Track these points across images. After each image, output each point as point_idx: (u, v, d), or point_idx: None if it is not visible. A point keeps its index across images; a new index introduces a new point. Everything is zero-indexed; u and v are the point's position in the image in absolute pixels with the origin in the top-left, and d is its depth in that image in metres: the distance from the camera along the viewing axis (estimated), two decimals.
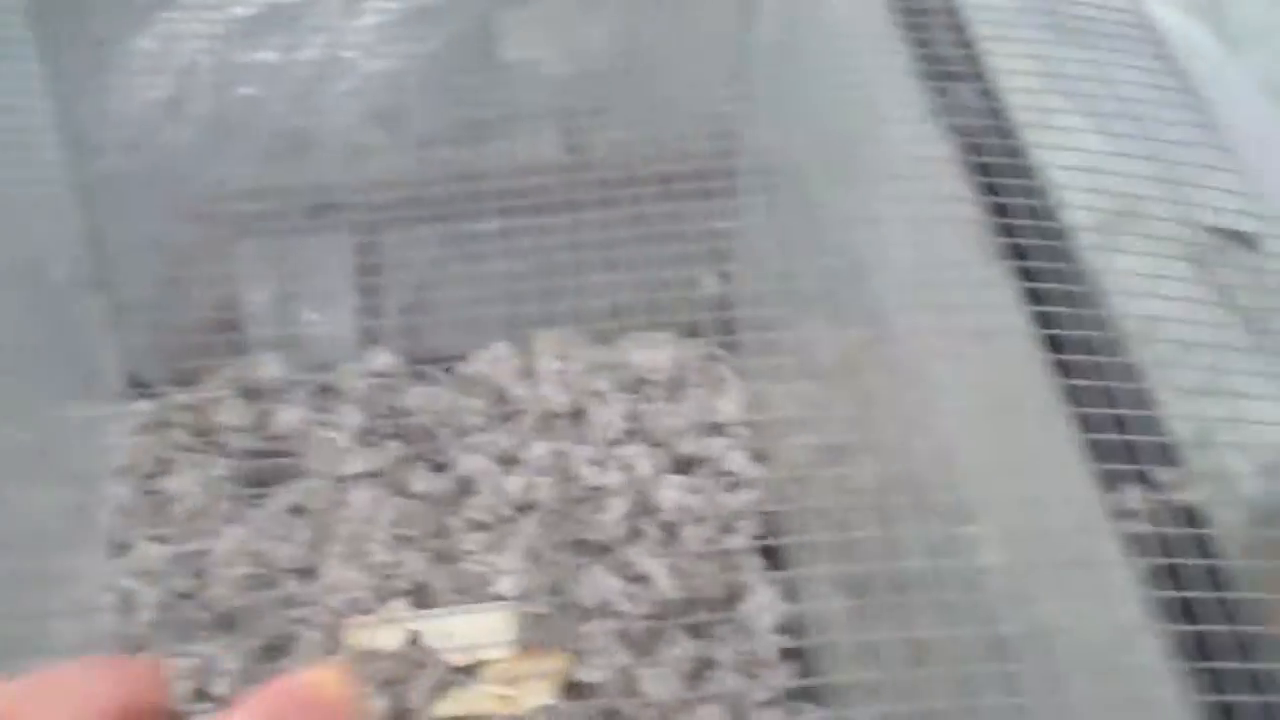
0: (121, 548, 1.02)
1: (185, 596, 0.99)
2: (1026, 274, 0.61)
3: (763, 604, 0.99)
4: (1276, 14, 1.01)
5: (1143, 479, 0.51)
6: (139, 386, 1.12)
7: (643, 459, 1.04)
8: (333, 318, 1.16)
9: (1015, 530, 0.63)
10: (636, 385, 1.09)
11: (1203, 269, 0.62)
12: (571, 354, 1.09)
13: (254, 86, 1.15)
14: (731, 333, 1.09)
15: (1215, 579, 0.49)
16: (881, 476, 0.84)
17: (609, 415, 1.06)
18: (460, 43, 1.16)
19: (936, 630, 0.70)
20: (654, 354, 1.09)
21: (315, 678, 0.33)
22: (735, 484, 1.04)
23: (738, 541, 1.02)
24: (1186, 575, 0.50)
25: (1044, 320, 0.59)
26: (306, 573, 0.99)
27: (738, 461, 1.05)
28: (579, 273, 1.04)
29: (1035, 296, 0.59)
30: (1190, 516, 0.51)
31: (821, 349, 0.94)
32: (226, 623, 0.98)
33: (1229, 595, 0.48)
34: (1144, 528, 0.50)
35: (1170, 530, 0.49)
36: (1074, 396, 0.55)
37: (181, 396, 1.10)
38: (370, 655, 0.95)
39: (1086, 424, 0.54)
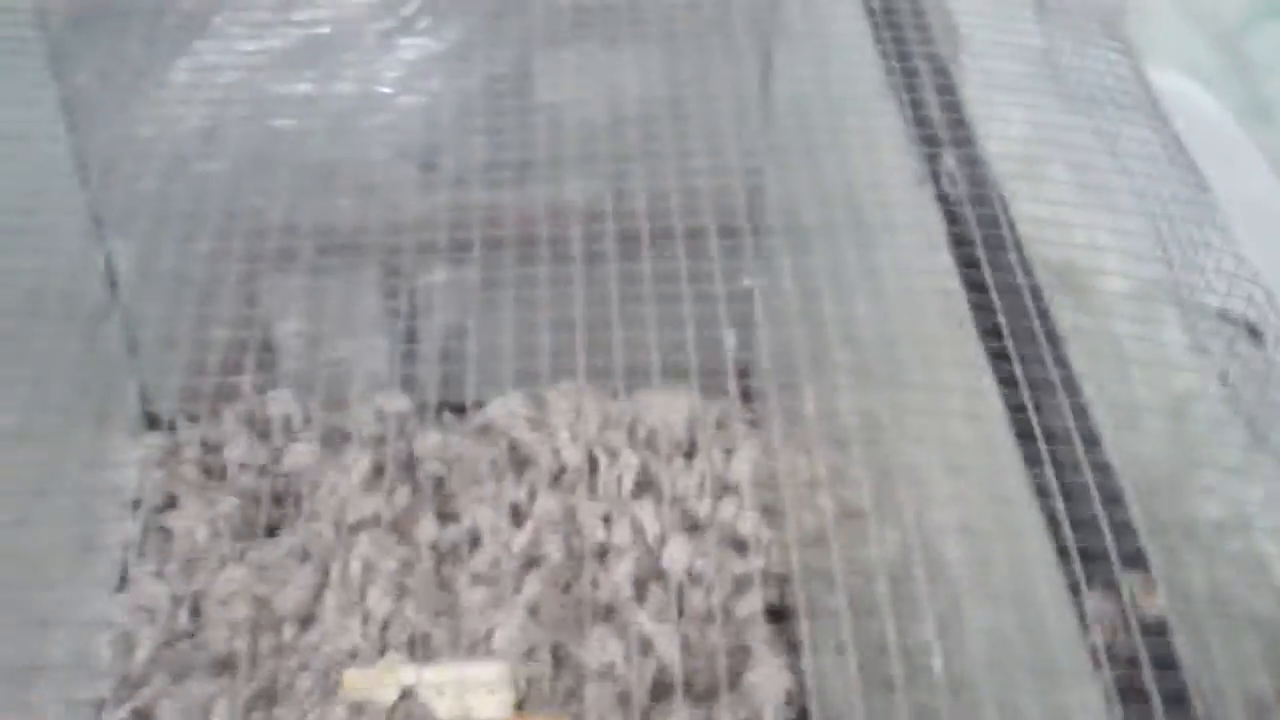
0: (124, 582, 1.02)
1: (184, 636, 0.98)
2: (1004, 354, 0.60)
3: (768, 674, 0.97)
4: None
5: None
6: (153, 420, 1.11)
7: (652, 518, 1.02)
8: (354, 356, 1.15)
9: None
10: (650, 442, 1.07)
11: (1205, 356, 0.60)
12: (586, 407, 1.07)
13: (288, 119, 1.15)
14: (749, 393, 1.07)
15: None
16: (898, 547, 0.82)
17: (620, 471, 1.04)
18: (496, 82, 1.15)
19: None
20: (669, 411, 1.07)
21: None
22: (746, 547, 1.02)
23: (746, 607, 1.00)
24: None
25: (1020, 404, 0.57)
26: (306, 619, 0.98)
27: (749, 524, 1.03)
28: (599, 324, 1.02)
29: (1013, 380, 0.58)
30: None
31: (838, 413, 0.92)
32: (223, 665, 0.97)
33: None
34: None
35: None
36: (1054, 490, 0.54)
37: (193, 431, 1.09)
38: (364, 708, 0.94)
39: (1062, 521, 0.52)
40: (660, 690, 0.96)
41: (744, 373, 1.10)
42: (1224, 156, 0.89)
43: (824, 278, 0.90)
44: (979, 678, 0.65)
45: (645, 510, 1.02)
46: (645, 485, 1.05)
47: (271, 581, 0.99)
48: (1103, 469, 0.57)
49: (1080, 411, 0.58)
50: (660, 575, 1.00)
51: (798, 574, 1.00)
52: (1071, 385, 0.60)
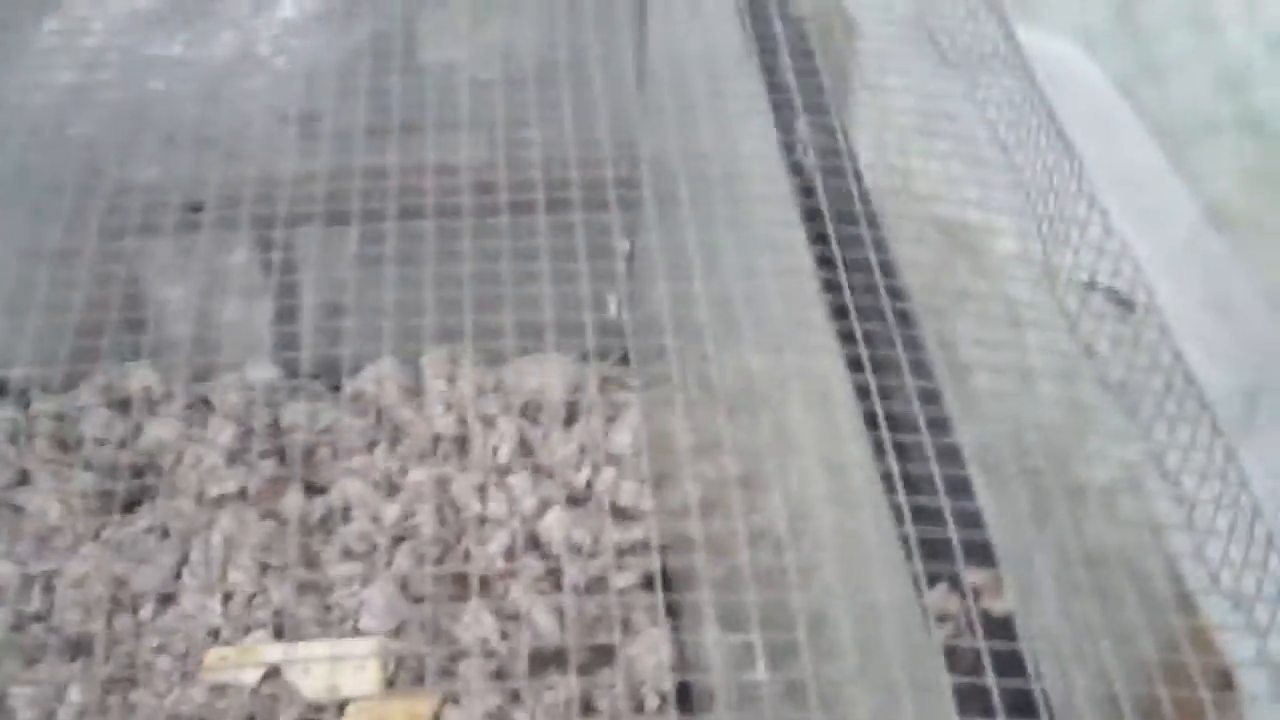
0: None
1: (36, 619, 0.94)
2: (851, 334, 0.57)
3: (649, 645, 0.94)
4: (1201, 42, 0.97)
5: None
6: (3, 390, 1.06)
7: (529, 489, 0.99)
8: (224, 325, 1.11)
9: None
10: (528, 410, 1.04)
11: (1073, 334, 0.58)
12: (461, 374, 1.04)
13: (159, 81, 1.11)
14: (629, 358, 1.04)
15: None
16: (778, 514, 0.80)
17: (496, 441, 1.01)
18: (378, 42, 1.12)
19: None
20: (548, 378, 1.04)
21: None
22: (626, 517, 1.00)
23: (625, 578, 0.97)
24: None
25: (866, 390, 0.55)
26: (166, 599, 0.94)
27: (629, 494, 1.00)
28: (477, 286, 0.99)
29: (859, 362, 0.55)
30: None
31: (717, 380, 0.90)
32: (78, 648, 0.92)
33: None
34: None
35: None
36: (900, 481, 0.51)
37: (48, 404, 1.04)
38: (227, 689, 0.90)
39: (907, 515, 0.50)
40: (538, 664, 0.93)
41: (623, 340, 1.07)
42: (1101, 123, 0.88)
43: (698, 244, 0.87)
44: (847, 648, 0.63)
45: (522, 481, 0.99)
46: (522, 455, 1.02)
47: (129, 560, 0.95)
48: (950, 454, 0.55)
49: (929, 396, 0.56)
50: (538, 547, 0.97)
51: (678, 543, 0.98)
52: (922, 368, 0.58)
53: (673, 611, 0.97)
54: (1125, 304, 0.61)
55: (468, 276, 0.98)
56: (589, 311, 1.06)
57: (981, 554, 0.49)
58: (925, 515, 0.51)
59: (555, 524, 0.97)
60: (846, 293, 0.60)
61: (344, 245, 1.11)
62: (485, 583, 0.96)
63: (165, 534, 0.97)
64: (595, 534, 0.98)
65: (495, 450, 1.00)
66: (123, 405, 1.04)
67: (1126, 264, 0.61)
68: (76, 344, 1.05)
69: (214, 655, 0.91)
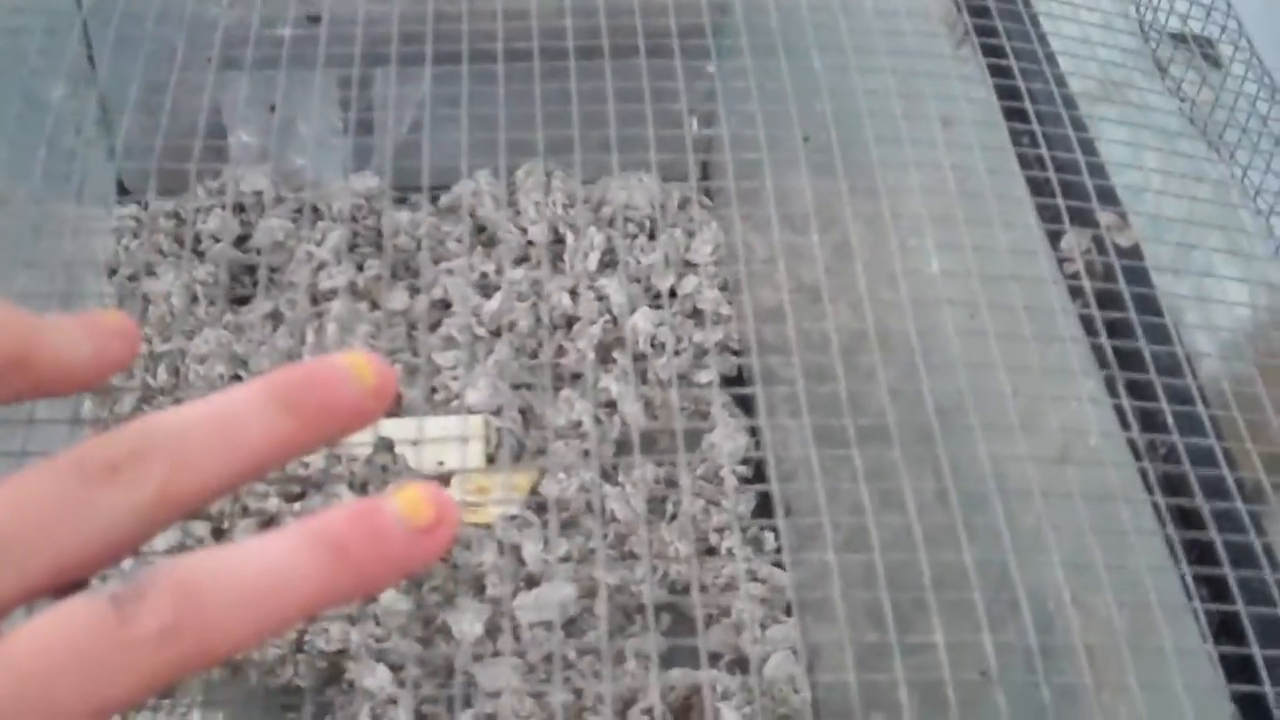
0: None
1: (162, 392, 1.01)
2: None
3: (726, 434, 1.02)
4: None
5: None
6: (126, 193, 1.13)
7: (617, 290, 1.06)
8: (321, 144, 1.17)
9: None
10: (614, 222, 1.11)
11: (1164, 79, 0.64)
12: (553, 188, 1.11)
13: None
14: (711, 177, 1.11)
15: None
16: (852, 324, 0.86)
17: (586, 248, 1.08)
18: None
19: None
20: (633, 194, 1.11)
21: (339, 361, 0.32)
22: (707, 320, 1.07)
23: (706, 375, 1.05)
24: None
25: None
26: None
27: (709, 299, 1.07)
28: (560, 114, 1.05)
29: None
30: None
31: (801, 197, 0.96)
32: None
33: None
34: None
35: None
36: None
37: (167, 204, 1.11)
38: (341, 457, 0.97)
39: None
40: (623, 448, 1.01)
41: (705, 158, 1.14)
42: None
43: (789, 71, 0.93)
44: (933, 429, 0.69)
45: (610, 284, 1.06)
46: (610, 262, 1.09)
47: (248, 343, 1.02)
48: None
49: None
50: (623, 344, 1.05)
51: (755, 345, 1.05)
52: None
53: (748, 407, 1.04)
54: (1213, 56, 0.66)
55: (546, 106, 1.04)
56: (672, 129, 1.12)
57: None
58: None
59: (642, 322, 1.04)
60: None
61: (419, 84, 1.16)
62: (576, 375, 1.03)
63: (279, 322, 1.04)
64: (678, 334, 1.05)
65: (585, 256, 1.08)
66: (237, 207, 1.10)
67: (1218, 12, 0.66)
68: (193, 149, 1.12)
69: None
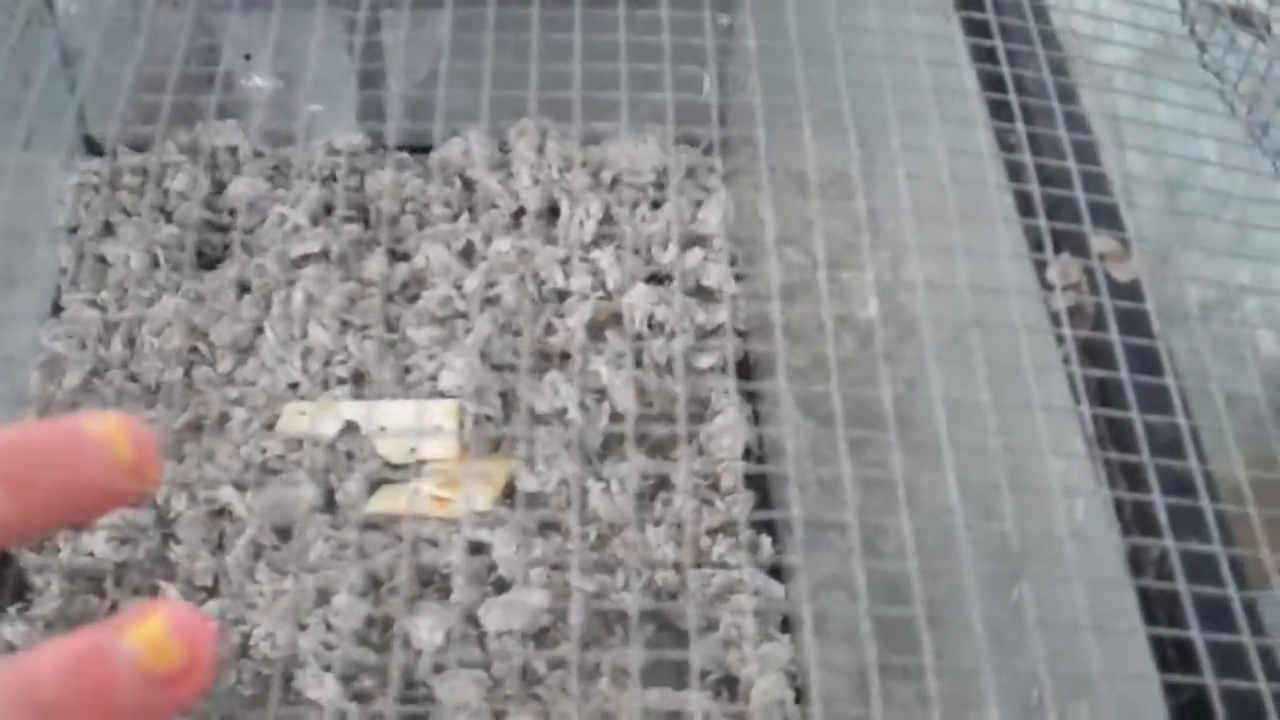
0: (56, 309, 0.97)
1: (117, 365, 0.94)
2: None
3: (728, 426, 0.92)
4: None
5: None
6: (91, 145, 1.05)
7: (613, 264, 0.97)
8: (310, 95, 1.09)
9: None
10: (615, 188, 1.01)
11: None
12: (548, 149, 1.01)
13: None
14: (722, 141, 1.01)
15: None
16: (866, 306, 0.78)
17: (582, 216, 0.99)
18: None
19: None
20: (636, 158, 1.01)
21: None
22: (711, 298, 0.98)
23: (708, 359, 0.96)
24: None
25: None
26: (245, 351, 0.94)
27: (715, 275, 0.98)
28: (563, 69, 0.96)
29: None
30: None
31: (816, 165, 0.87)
32: (155, 395, 0.92)
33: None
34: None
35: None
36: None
37: (133, 159, 1.03)
38: (303, 442, 0.90)
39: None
40: (613, 439, 0.92)
41: (718, 121, 1.04)
42: None
43: (802, 29, 0.84)
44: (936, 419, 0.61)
45: (606, 256, 0.97)
46: (608, 231, 1.00)
47: (210, 312, 0.94)
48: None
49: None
50: (619, 323, 0.96)
51: (763, 327, 0.96)
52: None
53: (754, 396, 0.95)
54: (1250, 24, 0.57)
55: (561, 52, 0.95)
56: (681, 92, 1.03)
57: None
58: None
59: (639, 300, 0.95)
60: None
61: (422, 29, 1.08)
62: (565, 355, 0.94)
63: (246, 290, 0.96)
64: (679, 313, 0.96)
65: (581, 224, 0.98)
66: (207, 165, 1.02)
67: None
68: (160, 100, 1.04)
69: (292, 408, 0.91)
